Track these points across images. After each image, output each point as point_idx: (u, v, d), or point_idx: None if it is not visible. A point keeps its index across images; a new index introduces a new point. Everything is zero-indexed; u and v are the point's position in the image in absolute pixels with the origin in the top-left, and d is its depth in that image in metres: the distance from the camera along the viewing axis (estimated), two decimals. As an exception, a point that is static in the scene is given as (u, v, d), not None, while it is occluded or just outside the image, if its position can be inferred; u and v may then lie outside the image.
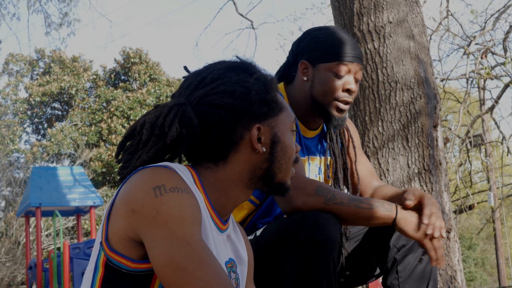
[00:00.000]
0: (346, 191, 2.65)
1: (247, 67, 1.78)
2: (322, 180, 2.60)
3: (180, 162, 1.80)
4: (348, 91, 2.49)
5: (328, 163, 2.63)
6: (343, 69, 2.48)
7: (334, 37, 2.54)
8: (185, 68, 1.86)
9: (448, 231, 4.50)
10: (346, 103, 2.50)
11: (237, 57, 1.82)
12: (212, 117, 1.70)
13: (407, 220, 2.22)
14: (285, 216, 2.38)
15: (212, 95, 1.71)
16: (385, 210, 2.23)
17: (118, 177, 1.74)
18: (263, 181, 1.75)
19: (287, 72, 2.64)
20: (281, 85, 2.59)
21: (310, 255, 2.09)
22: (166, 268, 1.52)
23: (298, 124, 2.53)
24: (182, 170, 1.67)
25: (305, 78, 2.53)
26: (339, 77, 2.48)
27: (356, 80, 2.52)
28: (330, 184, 2.62)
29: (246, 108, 1.70)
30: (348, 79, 2.49)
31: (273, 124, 1.74)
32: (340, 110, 2.50)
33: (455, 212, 15.25)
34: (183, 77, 1.82)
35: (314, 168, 2.58)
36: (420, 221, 2.22)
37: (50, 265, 10.38)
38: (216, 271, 1.53)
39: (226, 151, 1.71)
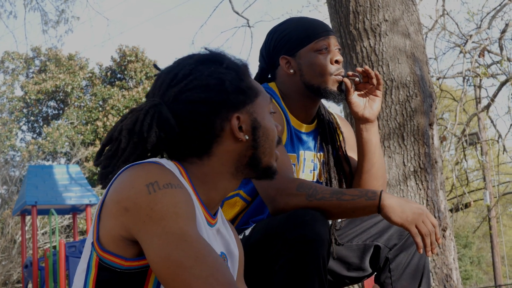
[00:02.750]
0: None
1: (217, 58, 1.76)
2: (317, 176, 2.60)
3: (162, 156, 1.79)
4: (337, 62, 2.52)
5: (323, 159, 2.63)
6: (323, 44, 2.51)
7: (300, 23, 2.58)
8: (155, 66, 1.86)
9: (444, 230, 4.51)
10: (340, 74, 2.52)
11: (205, 49, 1.80)
12: (190, 114, 1.68)
13: (391, 207, 2.20)
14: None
15: (186, 91, 1.69)
16: (368, 199, 2.21)
17: (100, 184, 1.72)
18: (250, 168, 1.75)
19: (263, 79, 2.65)
20: (273, 84, 2.59)
21: (299, 253, 2.09)
22: (163, 265, 1.51)
23: (289, 119, 2.53)
24: (171, 165, 1.66)
25: (291, 71, 2.53)
26: (322, 53, 2.51)
27: (338, 50, 2.55)
28: (322, 181, 2.61)
29: (222, 99, 1.69)
30: (332, 52, 2.52)
31: (251, 110, 1.73)
32: (339, 83, 2.52)
33: (451, 210, 15.27)
34: (155, 75, 1.80)
35: (309, 164, 2.58)
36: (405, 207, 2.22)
37: (46, 264, 10.37)
38: (214, 267, 1.51)
39: (208, 144, 1.70)
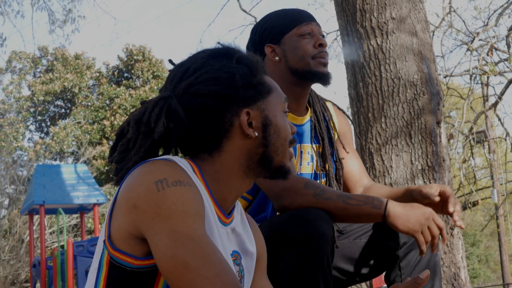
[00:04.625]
0: (335, 184, 2.65)
1: (230, 52, 1.74)
2: (314, 167, 2.60)
3: (176, 155, 1.78)
4: (321, 45, 2.53)
5: (319, 150, 2.63)
6: (305, 29, 2.53)
7: (283, 12, 2.61)
8: (170, 61, 1.84)
9: (452, 228, 4.50)
10: (323, 56, 2.53)
11: (219, 43, 1.79)
12: (199, 107, 1.67)
13: (397, 215, 2.20)
14: (277, 213, 2.38)
15: (196, 84, 1.68)
16: (374, 207, 2.21)
17: (114, 179, 1.71)
18: (261, 167, 1.72)
19: None
20: None
21: (304, 251, 2.09)
22: (169, 264, 1.50)
23: None
24: (183, 162, 1.65)
25: (276, 58, 2.54)
26: (306, 37, 2.52)
27: (323, 37, 2.56)
28: (319, 172, 2.61)
29: (232, 93, 1.67)
30: (315, 36, 2.53)
31: (262, 107, 1.71)
32: (324, 65, 2.52)
33: (458, 208, 15.20)
34: (169, 70, 1.79)
35: (307, 156, 2.58)
36: (412, 215, 2.21)
37: (54, 263, 10.39)
38: (220, 268, 1.50)
39: (218, 140, 1.68)
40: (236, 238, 1.77)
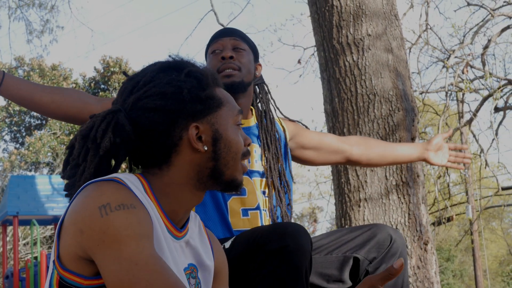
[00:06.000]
0: (278, 187, 2.73)
1: (180, 65, 1.74)
2: (261, 166, 2.69)
3: (130, 170, 1.77)
4: (223, 58, 2.67)
5: (264, 152, 2.73)
6: (215, 46, 2.72)
7: None
8: (124, 73, 1.84)
9: (426, 243, 4.52)
10: (225, 68, 2.66)
11: (169, 56, 1.79)
12: (147, 121, 1.66)
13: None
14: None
15: (144, 98, 1.67)
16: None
17: (66, 195, 1.71)
18: (212, 180, 1.71)
19: None
20: None
21: (282, 264, 2.09)
22: None
23: None
24: (132, 180, 1.64)
25: None
26: (215, 53, 2.70)
27: (235, 49, 2.71)
28: (266, 175, 2.70)
29: (179, 108, 1.66)
30: (224, 50, 2.69)
31: (212, 120, 1.70)
32: (226, 76, 2.65)
33: (433, 224, 15.31)
34: (122, 83, 1.78)
35: (254, 154, 2.67)
36: None
37: (27, 275, 10.32)
38: None
39: (167, 154, 1.67)
40: (192, 251, 1.77)
